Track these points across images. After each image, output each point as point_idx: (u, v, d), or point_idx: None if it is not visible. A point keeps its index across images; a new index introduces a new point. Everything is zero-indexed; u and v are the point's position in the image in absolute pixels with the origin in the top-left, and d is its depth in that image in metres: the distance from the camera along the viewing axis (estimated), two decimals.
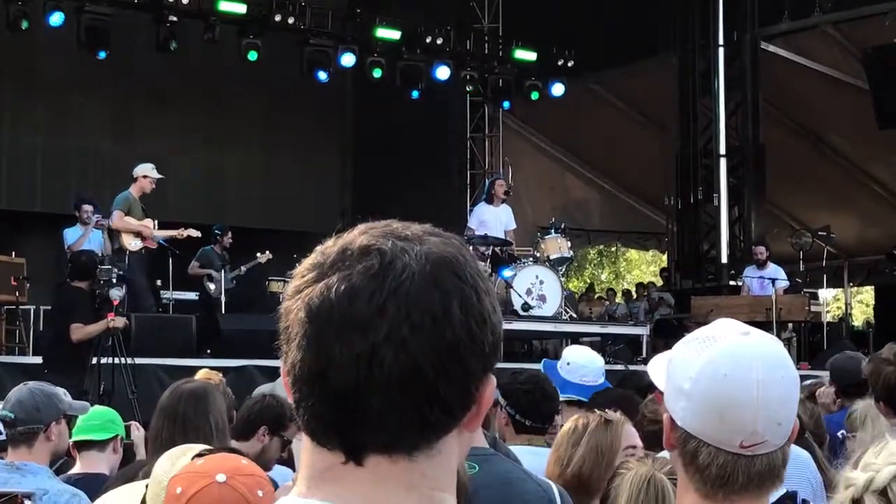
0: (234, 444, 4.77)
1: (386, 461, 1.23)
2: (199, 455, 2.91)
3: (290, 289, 1.27)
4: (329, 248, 1.27)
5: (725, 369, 1.89)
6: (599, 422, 3.70)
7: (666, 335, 15.82)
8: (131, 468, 4.34)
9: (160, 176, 13.64)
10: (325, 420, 1.24)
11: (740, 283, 16.95)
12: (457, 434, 1.27)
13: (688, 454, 1.93)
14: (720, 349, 1.92)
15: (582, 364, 5.88)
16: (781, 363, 1.94)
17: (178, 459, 3.14)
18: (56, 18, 15.94)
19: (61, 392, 4.86)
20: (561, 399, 5.55)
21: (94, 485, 4.53)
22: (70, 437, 4.97)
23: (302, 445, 1.30)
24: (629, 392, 5.22)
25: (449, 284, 1.23)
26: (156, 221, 13.40)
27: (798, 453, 3.04)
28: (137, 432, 5.78)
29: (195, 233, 14.35)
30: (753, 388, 1.88)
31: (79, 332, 10.41)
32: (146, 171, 13.53)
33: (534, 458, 4.21)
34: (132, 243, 13.11)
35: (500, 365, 1.31)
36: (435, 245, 1.26)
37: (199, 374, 6.46)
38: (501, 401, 4.64)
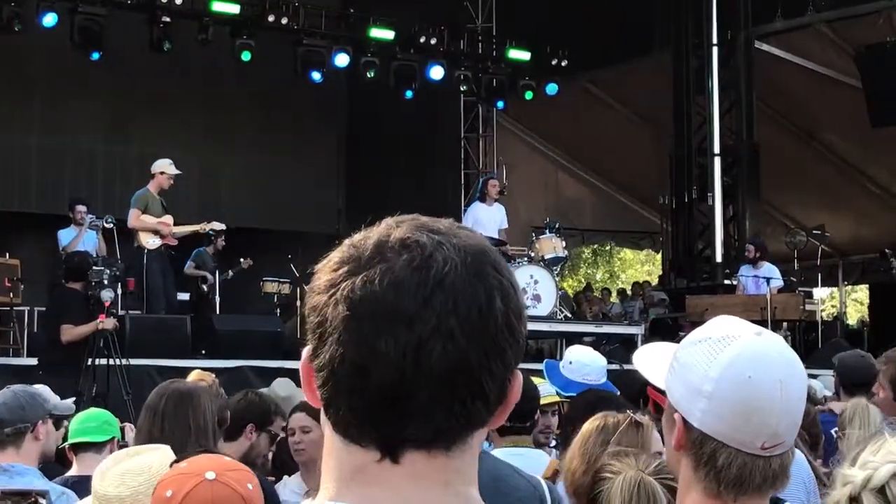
0: (222, 445, 4.76)
1: (423, 458, 1.22)
2: (178, 460, 2.91)
3: (320, 283, 1.24)
4: (361, 241, 1.25)
5: (750, 371, 1.89)
6: (630, 423, 3.66)
7: (661, 334, 15.83)
8: None
9: (178, 172, 13.60)
10: (364, 416, 1.21)
11: (735, 283, 16.96)
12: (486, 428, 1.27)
13: (704, 455, 1.93)
14: (740, 350, 1.92)
15: (584, 363, 5.93)
16: (795, 361, 1.96)
17: (123, 460, 3.14)
18: (49, 19, 15.91)
19: (45, 391, 4.86)
20: (565, 397, 5.59)
21: (90, 486, 4.51)
22: (62, 440, 4.96)
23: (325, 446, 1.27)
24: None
25: (490, 277, 1.23)
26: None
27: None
28: (131, 433, 5.77)
29: (219, 225, 14.22)
30: (777, 388, 1.89)
31: (68, 333, 10.41)
32: (164, 168, 13.49)
33: (520, 460, 4.21)
34: (150, 241, 13.08)
35: None
36: (468, 238, 1.25)
37: (192, 376, 6.45)
38: None
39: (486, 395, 1.22)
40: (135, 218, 13.13)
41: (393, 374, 1.18)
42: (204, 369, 7.19)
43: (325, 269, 1.25)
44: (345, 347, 1.20)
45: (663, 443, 2.22)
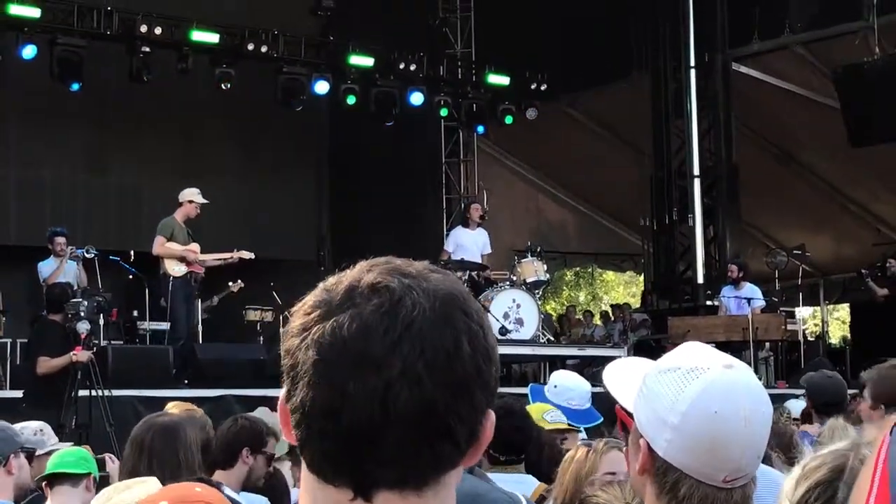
0: (219, 473, 4.74)
1: (396, 498, 1.24)
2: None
3: (294, 327, 1.27)
4: (334, 285, 1.28)
5: (716, 406, 1.90)
6: (585, 452, 3.69)
7: (644, 356, 15.83)
8: None
9: (205, 201, 13.61)
10: (336, 457, 1.24)
11: (717, 303, 17.00)
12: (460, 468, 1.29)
13: (667, 483, 1.94)
14: (708, 383, 1.92)
15: (569, 388, 5.95)
16: (762, 395, 1.96)
17: (113, 496, 3.13)
18: (29, 51, 15.89)
19: (17, 427, 4.83)
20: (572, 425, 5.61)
21: None
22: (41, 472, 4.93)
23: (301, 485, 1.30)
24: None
25: (458, 321, 1.25)
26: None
27: (771, 476, 3.04)
28: (112, 465, 5.75)
29: (248, 254, 14.15)
30: (742, 425, 1.90)
31: (44, 365, 10.37)
32: (192, 196, 13.53)
33: (507, 485, 4.21)
34: (176, 269, 13.08)
35: None
36: (439, 282, 1.28)
37: (169, 407, 6.41)
38: None
39: (454, 438, 1.24)
40: (160, 245, 13.14)
41: (362, 417, 1.21)
42: (187, 399, 7.16)
43: (300, 313, 1.28)
44: (315, 391, 1.23)
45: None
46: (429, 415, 1.22)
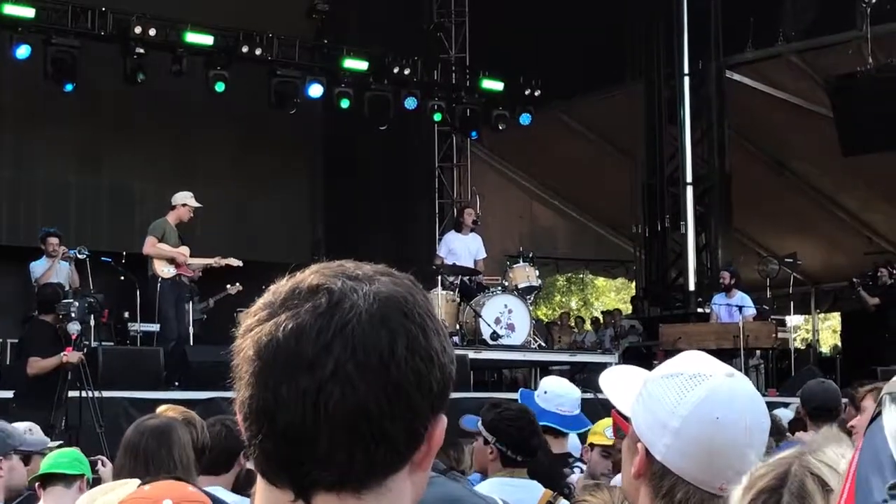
0: (215, 478, 4.73)
1: (334, 499, 1.24)
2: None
3: (241, 327, 1.29)
4: (280, 287, 1.29)
5: (718, 412, 1.91)
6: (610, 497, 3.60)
7: (635, 363, 15.84)
8: None
9: (198, 205, 13.61)
10: (275, 458, 1.24)
11: (708, 311, 17.02)
12: (408, 473, 1.27)
13: (663, 488, 1.94)
14: (711, 390, 1.93)
15: (559, 394, 5.97)
16: (763, 409, 1.98)
17: (97, 498, 3.13)
18: (23, 51, 15.87)
19: (10, 428, 4.82)
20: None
21: None
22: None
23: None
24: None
25: (395, 323, 1.24)
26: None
27: None
28: (104, 468, 5.74)
29: (235, 261, 14.15)
30: (743, 433, 1.91)
31: (34, 365, 10.36)
32: (185, 200, 13.52)
33: (510, 490, 4.22)
34: (165, 270, 13.05)
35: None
36: (384, 284, 1.27)
37: (161, 409, 6.40)
38: (489, 437, 4.65)
39: (390, 441, 1.23)
40: (150, 245, 13.11)
41: (295, 418, 1.21)
42: (177, 401, 7.14)
43: (249, 314, 1.29)
44: (253, 391, 1.24)
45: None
46: (361, 417, 1.21)
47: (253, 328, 1.26)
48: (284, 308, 1.25)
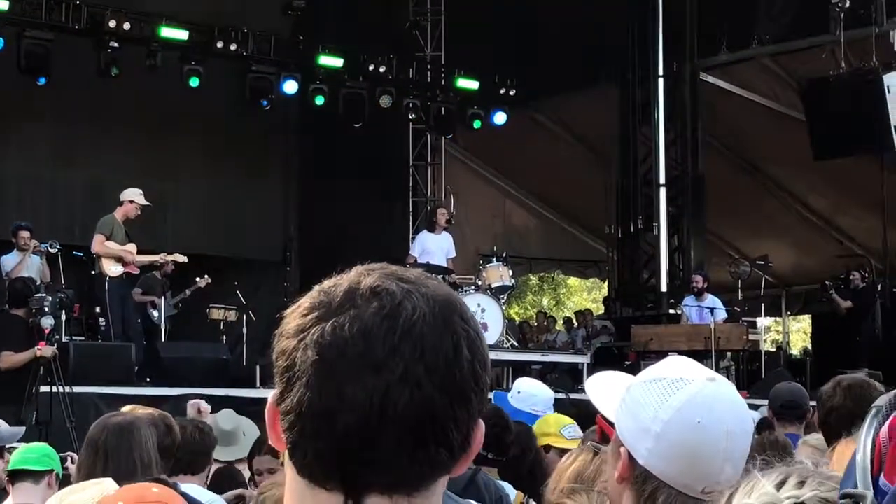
0: (187, 478, 4.71)
1: (387, 502, 1.23)
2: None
3: (289, 328, 1.27)
4: (331, 288, 1.27)
5: (700, 416, 1.92)
6: (592, 455, 3.56)
7: (606, 363, 15.90)
8: None
9: (147, 203, 13.53)
10: (329, 460, 1.23)
11: (679, 312, 17.09)
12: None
13: (645, 492, 1.95)
14: (692, 394, 1.94)
15: (532, 394, 6.05)
16: (745, 413, 1.99)
17: (65, 498, 3.12)
18: None
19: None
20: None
21: None
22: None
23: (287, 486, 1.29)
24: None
25: (457, 326, 1.25)
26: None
27: None
28: (73, 465, 5.72)
29: (181, 258, 14.12)
30: (724, 438, 1.92)
31: (7, 360, 10.33)
32: (133, 196, 13.44)
33: None
34: (112, 268, 12.96)
35: None
36: (436, 288, 1.28)
37: (127, 409, 6.38)
38: None
39: (450, 443, 1.24)
40: (99, 243, 13.01)
41: (358, 419, 1.20)
42: (148, 397, 7.13)
43: (295, 315, 1.27)
44: (312, 392, 1.22)
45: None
46: (427, 419, 1.21)
47: (308, 328, 1.24)
48: (344, 309, 1.24)
